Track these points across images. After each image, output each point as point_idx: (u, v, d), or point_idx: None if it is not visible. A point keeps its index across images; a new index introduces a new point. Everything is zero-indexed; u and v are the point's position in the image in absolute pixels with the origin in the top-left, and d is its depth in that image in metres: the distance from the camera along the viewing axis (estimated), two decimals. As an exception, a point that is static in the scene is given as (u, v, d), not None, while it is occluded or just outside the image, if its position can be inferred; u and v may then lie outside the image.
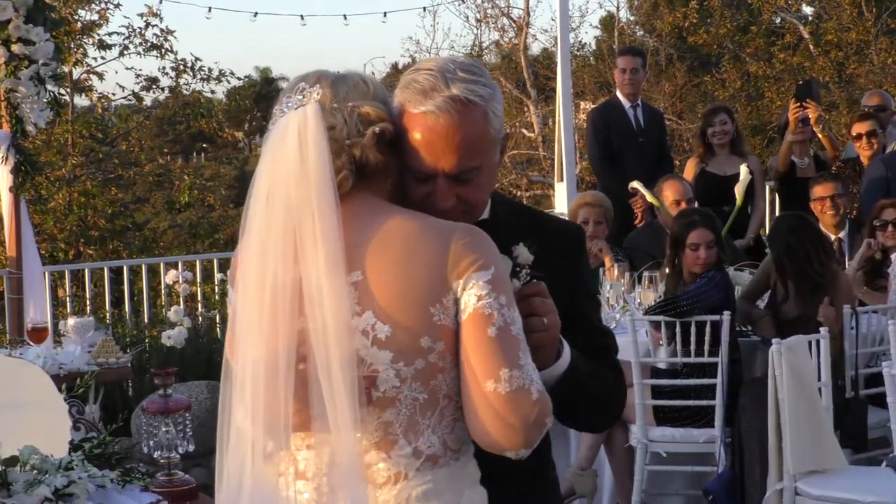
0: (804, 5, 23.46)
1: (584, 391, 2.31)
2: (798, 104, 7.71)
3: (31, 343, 5.62)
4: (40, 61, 5.89)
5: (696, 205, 7.24)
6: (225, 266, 9.06)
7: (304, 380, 2.01)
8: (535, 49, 23.23)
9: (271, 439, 2.05)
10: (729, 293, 5.70)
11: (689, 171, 8.01)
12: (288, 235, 2.03)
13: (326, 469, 2.05)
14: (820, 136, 7.85)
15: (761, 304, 6.07)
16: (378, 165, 2.13)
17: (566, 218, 6.67)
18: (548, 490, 2.47)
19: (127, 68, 18.64)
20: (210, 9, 14.78)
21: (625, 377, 2.49)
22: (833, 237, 6.86)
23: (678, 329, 5.52)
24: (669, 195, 7.01)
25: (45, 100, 6.02)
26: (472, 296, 2.00)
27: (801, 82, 8.61)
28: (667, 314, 5.54)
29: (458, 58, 2.25)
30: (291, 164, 2.06)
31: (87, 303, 9.13)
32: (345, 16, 15.73)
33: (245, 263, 2.10)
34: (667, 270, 6.09)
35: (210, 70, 19.32)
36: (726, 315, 5.40)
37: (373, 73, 23.30)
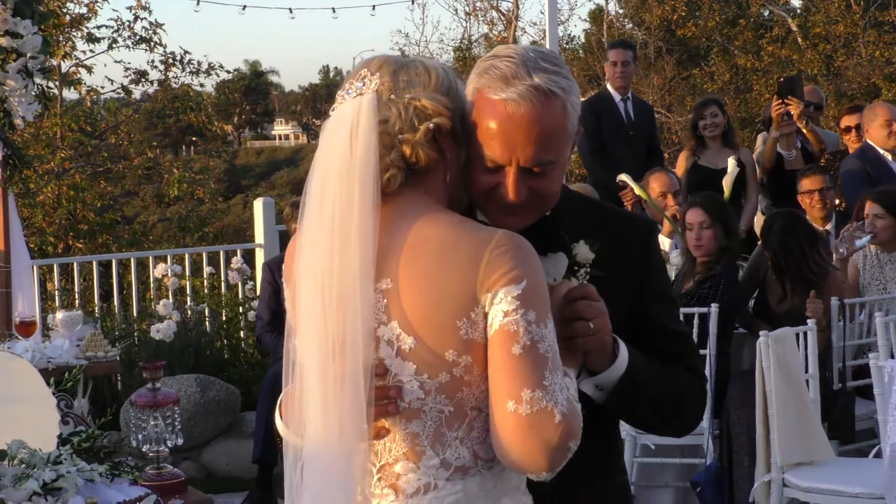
0: (792, -2, 23.52)
1: (650, 394, 2.18)
2: (780, 101, 7.68)
3: (20, 337, 5.61)
4: (28, 54, 5.86)
5: (685, 197, 7.23)
6: (214, 260, 9.05)
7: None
8: (525, 42, 23.19)
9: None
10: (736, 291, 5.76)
11: (681, 164, 7.99)
12: (334, 232, 1.99)
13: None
14: (804, 131, 7.83)
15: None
16: (430, 164, 2.05)
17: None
18: (615, 493, 2.33)
19: (116, 61, 18.65)
20: (199, 2, 14.74)
21: (706, 380, 2.34)
22: (820, 229, 6.87)
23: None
24: (656, 188, 7.02)
25: (33, 93, 5.98)
26: (499, 311, 1.93)
27: (782, 79, 8.58)
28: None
29: (537, 48, 2.14)
30: (341, 156, 2.00)
31: (76, 296, 9.11)
32: (333, 9, 15.76)
33: (299, 256, 2.05)
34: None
35: (199, 63, 19.35)
36: (714, 308, 5.40)
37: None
